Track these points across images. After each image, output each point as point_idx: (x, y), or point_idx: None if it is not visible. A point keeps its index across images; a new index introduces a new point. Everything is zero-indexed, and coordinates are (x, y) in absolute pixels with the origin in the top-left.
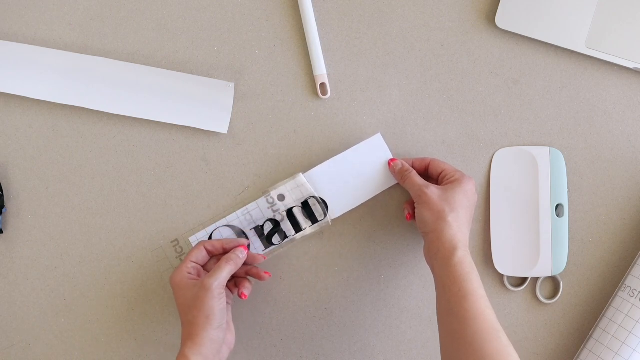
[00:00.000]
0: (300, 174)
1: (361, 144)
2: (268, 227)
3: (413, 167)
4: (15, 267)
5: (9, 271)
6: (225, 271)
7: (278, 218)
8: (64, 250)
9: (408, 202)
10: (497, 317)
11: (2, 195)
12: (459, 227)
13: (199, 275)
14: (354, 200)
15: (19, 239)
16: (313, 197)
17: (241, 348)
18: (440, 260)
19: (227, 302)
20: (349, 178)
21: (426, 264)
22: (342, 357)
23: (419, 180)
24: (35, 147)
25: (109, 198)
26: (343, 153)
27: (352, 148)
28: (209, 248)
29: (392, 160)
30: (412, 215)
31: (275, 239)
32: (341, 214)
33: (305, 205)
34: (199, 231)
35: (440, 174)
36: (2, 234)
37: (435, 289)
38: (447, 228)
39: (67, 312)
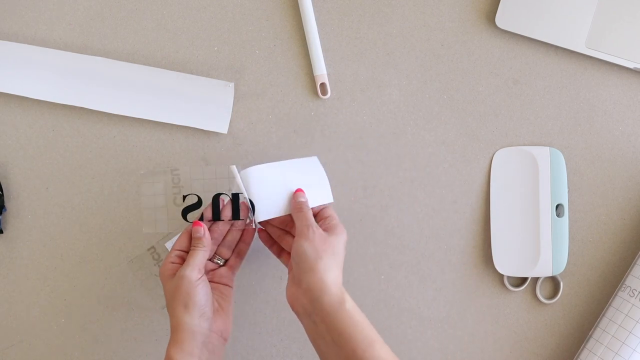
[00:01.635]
0: (234, 166)
1: (297, 160)
2: (191, 200)
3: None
4: (15, 267)
5: (9, 271)
6: (198, 256)
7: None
8: (64, 250)
9: (279, 237)
10: (496, 317)
11: (2, 195)
12: (339, 273)
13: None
14: (280, 209)
15: (19, 239)
16: (241, 194)
17: (241, 348)
18: (328, 305)
19: (226, 288)
20: (280, 187)
21: (426, 263)
22: None
23: (312, 218)
24: (35, 147)
25: (109, 198)
26: (281, 162)
27: (289, 160)
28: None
29: (300, 190)
30: (281, 250)
31: (191, 216)
32: (265, 219)
33: (234, 198)
34: None
35: (327, 218)
36: (2, 234)
37: (319, 339)
38: (331, 268)
39: (67, 312)
